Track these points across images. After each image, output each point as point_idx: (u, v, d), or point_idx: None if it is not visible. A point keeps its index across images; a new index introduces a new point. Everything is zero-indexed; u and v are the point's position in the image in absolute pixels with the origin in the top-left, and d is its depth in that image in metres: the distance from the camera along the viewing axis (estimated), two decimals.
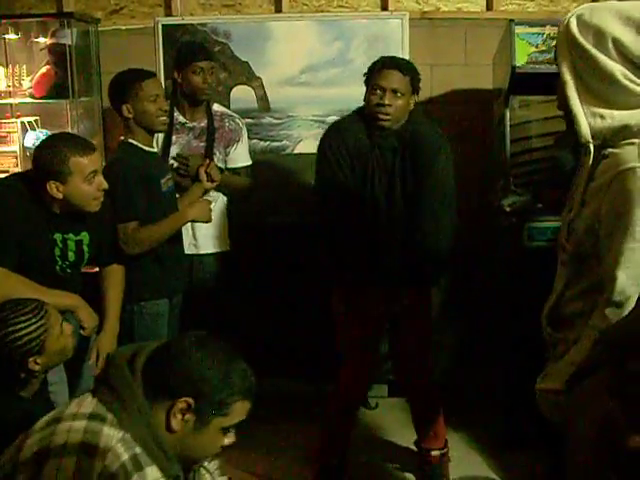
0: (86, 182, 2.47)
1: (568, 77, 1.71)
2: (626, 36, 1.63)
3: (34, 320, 2.08)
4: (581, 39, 1.67)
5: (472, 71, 3.94)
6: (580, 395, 1.03)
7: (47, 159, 2.44)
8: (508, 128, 3.36)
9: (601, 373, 0.83)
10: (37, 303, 2.12)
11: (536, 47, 3.16)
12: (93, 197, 2.52)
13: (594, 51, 1.66)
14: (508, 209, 3.23)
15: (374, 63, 2.89)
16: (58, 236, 2.55)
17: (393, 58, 2.93)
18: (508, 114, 3.36)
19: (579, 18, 1.69)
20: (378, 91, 2.82)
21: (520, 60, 3.18)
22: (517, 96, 3.38)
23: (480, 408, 3.63)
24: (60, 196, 2.45)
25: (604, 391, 0.69)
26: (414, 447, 3.22)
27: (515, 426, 3.25)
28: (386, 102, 2.80)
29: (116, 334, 2.75)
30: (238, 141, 3.47)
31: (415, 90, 2.89)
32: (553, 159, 3.35)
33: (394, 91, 2.81)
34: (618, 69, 1.64)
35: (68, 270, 2.62)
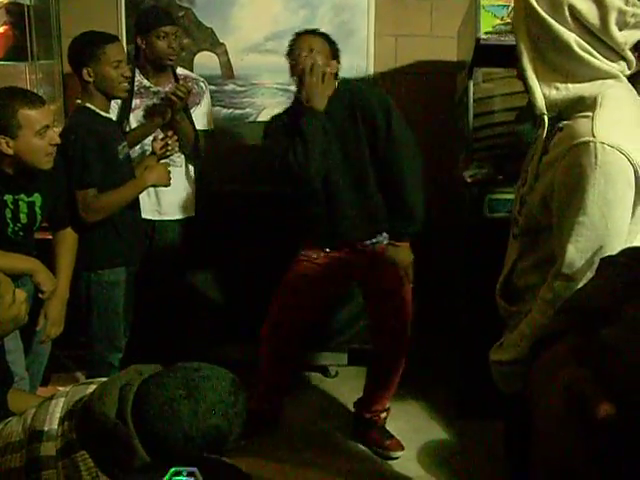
0: (37, 136, 2.41)
1: (523, 47, 1.68)
2: (583, 4, 1.60)
3: None
4: (537, 7, 1.64)
5: (437, 42, 3.93)
6: (544, 364, 1.04)
7: None
8: (472, 101, 3.36)
9: (566, 341, 0.84)
10: None
11: (501, 19, 3.15)
12: (45, 152, 2.46)
13: (550, 20, 1.62)
14: (469, 180, 3.25)
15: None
16: (9, 197, 2.49)
17: (306, 29, 3.05)
18: (472, 87, 3.36)
19: None
20: (296, 53, 2.92)
21: (485, 32, 3.18)
22: (481, 69, 3.37)
23: (439, 378, 3.68)
24: (11, 152, 2.39)
25: (570, 360, 0.70)
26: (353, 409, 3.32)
27: (474, 395, 3.30)
28: (304, 54, 2.90)
29: (65, 300, 2.72)
30: (198, 104, 3.44)
31: (335, 56, 2.98)
32: (515, 133, 3.37)
33: (311, 50, 2.91)
34: (574, 38, 1.62)
35: (20, 233, 2.57)
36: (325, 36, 2.99)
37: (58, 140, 2.49)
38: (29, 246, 2.66)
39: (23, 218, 2.55)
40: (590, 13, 1.60)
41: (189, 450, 1.50)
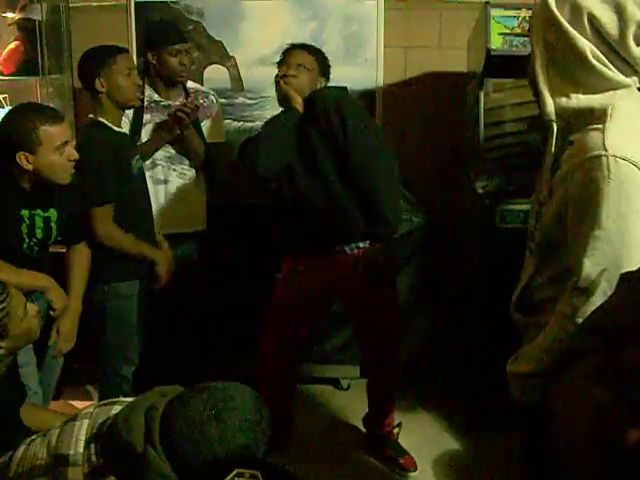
0: (56, 152, 2.43)
1: (538, 52, 1.67)
2: (603, 14, 1.59)
3: None
4: (556, 11, 1.63)
5: (446, 54, 3.93)
6: (567, 386, 1.02)
7: (16, 129, 2.38)
8: (482, 111, 3.36)
9: (588, 362, 0.82)
10: None
11: (511, 30, 3.15)
12: (64, 168, 2.48)
13: (567, 26, 1.61)
14: (481, 191, 3.24)
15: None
16: (25, 212, 2.50)
17: (302, 43, 3.04)
18: (482, 97, 3.36)
19: None
20: (284, 67, 2.92)
21: (495, 43, 3.18)
22: (491, 79, 3.37)
23: (453, 390, 3.66)
24: (30, 167, 2.41)
25: (593, 381, 0.68)
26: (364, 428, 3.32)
27: (487, 407, 3.28)
28: (290, 73, 2.90)
29: (78, 315, 2.72)
30: (208, 117, 3.45)
31: (324, 73, 2.98)
32: (526, 143, 3.36)
33: (299, 65, 2.90)
34: (589, 47, 1.61)
35: (35, 248, 2.57)
36: (317, 52, 2.99)
37: (76, 156, 2.50)
38: (43, 261, 2.66)
39: (39, 233, 2.56)
40: (610, 24, 1.59)
41: (218, 470, 1.50)
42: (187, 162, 3.33)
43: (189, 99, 3.33)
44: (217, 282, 3.62)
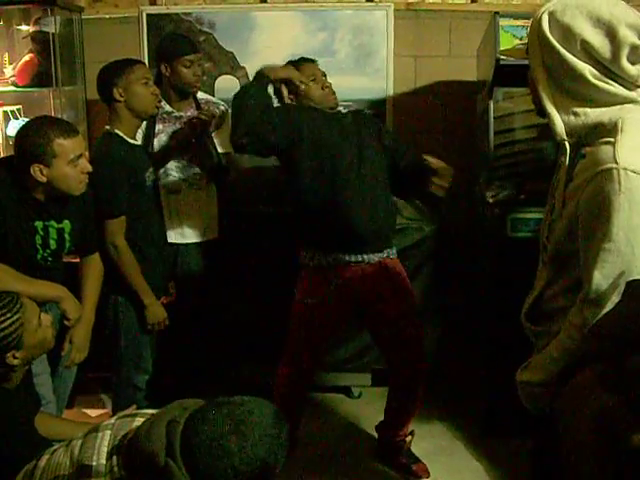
0: (70, 165, 2.46)
1: (540, 74, 1.69)
2: (595, 38, 1.61)
3: (9, 315, 2.04)
4: (550, 37, 1.65)
5: (456, 63, 3.95)
6: (572, 391, 1.03)
7: (31, 142, 2.41)
8: (492, 120, 3.37)
9: (593, 368, 0.84)
10: (12, 297, 2.08)
11: (520, 40, 3.17)
12: (77, 180, 2.50)
13: (563, 51, 1.63)
14: (491, 200, 3.25)
15: (291, 62, 3.04)
16: (39, 224, 2.53)
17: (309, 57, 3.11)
18: (492, 106, 3.37)
19: (551, 15, 1.66)
20: (315, 79, 2.98)
21: (503, 51, 3.19)
22: (501, 88, 3.39)
23: (464, 397, 3.67)
24: (44, 180, 2.43)
25: (597, 386, 0.69)
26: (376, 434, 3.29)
27: (498, 415, 3.28)
28: (327, 83, 2.99)
29: (91, 325, 2.74)
30: (219, 127, 3.48)
31: None
32: (536, 151, 3.37)
33: (324, 75, 3.01)
34: (588, 69, 1.63)
35: (49, 259, 2.60)
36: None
37: (90, 168, 2.53)
38: (57, 271, 2.68)
39: (52, 244, 2.58)
40: (602, 48, 1.62)
41: None
42: (199, 171, 3.35)
43: (205, 108, 3.36)
44: (230, 291, 3.63)
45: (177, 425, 1.61)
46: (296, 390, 3.16)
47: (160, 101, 3.01)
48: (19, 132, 2.51)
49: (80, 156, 2.49)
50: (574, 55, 1.63)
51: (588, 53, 1.63)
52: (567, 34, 1.63)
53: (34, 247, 2.53)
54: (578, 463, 0.67)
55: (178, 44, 3.32)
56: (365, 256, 2.95)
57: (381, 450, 3.28)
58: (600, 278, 1.60)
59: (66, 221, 2.62)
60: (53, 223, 2.57)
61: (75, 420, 2.62)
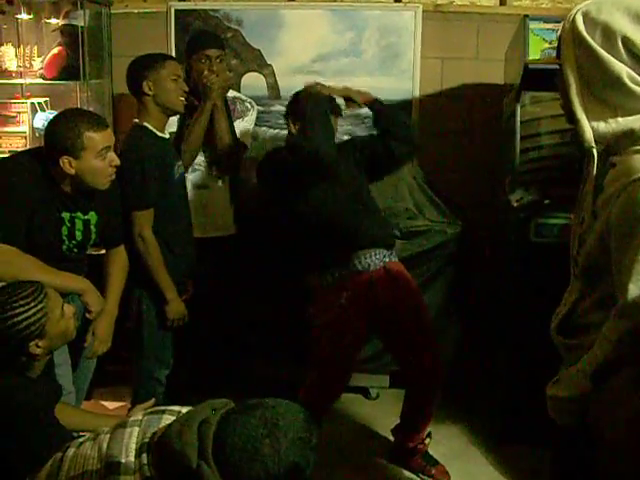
0: (99, 158, 2.47)
1: (572, 79, 1.63)
2: (636, 34, 1.56)
3: (33, 304, 2.05)
4: (588, 37, 1.59)
5: (483, 66, 3.93)
6: (606, 396, 1.01)
7: (61, 134, 2.43)
8: (518, 124, 3.35)
9: (628, 371, 0.82)
10: (36, 286, 2.10)
11: (550, 43, 3.14)
12: (105, 173, 2.52)
13: (601, 51, 1.58)
14: (516, 204, 3.22)
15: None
16: (66, 215, 2.55)
17: None
18: (519, 109, 3.34)
19: (585, 15, 1.60)
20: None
21: (533, 56, 3.16)
22: (528, 92, 3.36)
23: (480, 402, 3.65)
24: (72, 172, 2.45)
25: (631, 391, 0.68)
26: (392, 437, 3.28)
27: (515, 421, 3.26)
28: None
29: (114, 318, 2.74)
30: (240, 118, 3.48)
31: (337, 113, 3.17)
32: (562, 156, 3.34)
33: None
34: (625, 71, 1.57)
35: (75, 250, 2.61)
36: None
37: (118, 162, 2.54)
38: (81, 263, 2.70)
39: (78, 236, 2.60)
40: None
41: None
42: (222, 165, 3.35)
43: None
44: (249, 286, 3.63)
45: (209, 427, 1.61)
46: (324, 409, 3.19)
47: (187, 98, 3.01)
48: (49, 124, 2.52)
49: (108, 149, 2.50)
50: (613, 55, 1.58)
51: (630, 51, 1.58)
52: (606, 32, 1.58)
53: (60, 238, 2.55)
54: (614, 466, 0.67)
55: (198, 39, 3.35)
56: (369, 260, 2.98)
57: (396, 453, 3.27)
58: (635, 291, 1.56)
59: (92, 213, 2.63)
60: (79, 215, 2.59)
61: (93, 411, 2.63)
